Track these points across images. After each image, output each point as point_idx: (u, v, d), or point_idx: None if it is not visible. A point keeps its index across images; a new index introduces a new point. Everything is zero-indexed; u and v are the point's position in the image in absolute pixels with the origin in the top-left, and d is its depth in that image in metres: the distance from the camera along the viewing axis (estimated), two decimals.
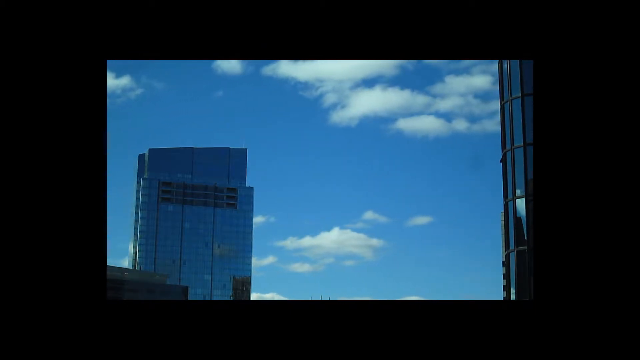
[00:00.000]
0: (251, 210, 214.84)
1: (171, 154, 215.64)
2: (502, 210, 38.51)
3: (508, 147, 36.24)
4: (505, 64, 37.06)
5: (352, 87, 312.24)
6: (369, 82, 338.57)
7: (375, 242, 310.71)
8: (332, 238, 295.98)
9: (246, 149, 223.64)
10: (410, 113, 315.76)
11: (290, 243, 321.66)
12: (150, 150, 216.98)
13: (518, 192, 35.41)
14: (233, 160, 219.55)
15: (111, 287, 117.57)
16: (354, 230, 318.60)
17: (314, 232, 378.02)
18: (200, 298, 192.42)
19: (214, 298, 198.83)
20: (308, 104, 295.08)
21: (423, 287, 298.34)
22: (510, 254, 35.95)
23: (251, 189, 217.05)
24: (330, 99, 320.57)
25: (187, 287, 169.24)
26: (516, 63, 35.78)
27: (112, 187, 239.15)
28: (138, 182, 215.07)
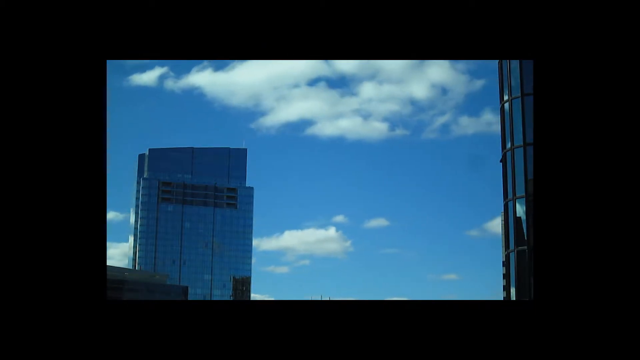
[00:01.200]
0: (251, 211, 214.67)
1: (171, 154, 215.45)
2: (502, 210, 38.51)
3: (508, 147, 36.24)
4: (505, 64, 37.08)
5: (273, 94, 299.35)
6: (293, 87, 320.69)
7: (348, 243, 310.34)
8: (305, 239, 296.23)
9: (246, 149, 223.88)
10: (341, 117, 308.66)
11: (261, 243, 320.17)
12: (150, 150, 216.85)
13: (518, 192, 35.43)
14: (233, 160, 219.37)
15: (111, 287, 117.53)
16: (325, 230, 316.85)
17: (286, 232, 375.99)
18: (200, 298, 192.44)
19: (214, 298, 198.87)
20: (231, 113, 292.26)
21: (408, 287, 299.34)
22: (510, 254, 35.96)
23: (251, 189, 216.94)
24: (252, 106, 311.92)
25: (187, 287, 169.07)
26: (516, 63, 35.80)
27: (112, 187, 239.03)
28: (138, 182, 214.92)
